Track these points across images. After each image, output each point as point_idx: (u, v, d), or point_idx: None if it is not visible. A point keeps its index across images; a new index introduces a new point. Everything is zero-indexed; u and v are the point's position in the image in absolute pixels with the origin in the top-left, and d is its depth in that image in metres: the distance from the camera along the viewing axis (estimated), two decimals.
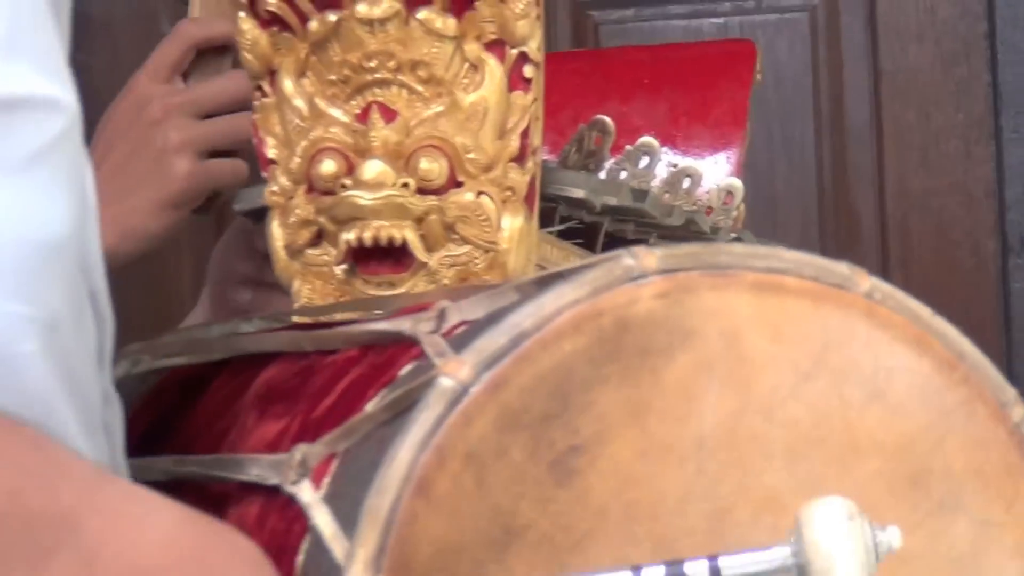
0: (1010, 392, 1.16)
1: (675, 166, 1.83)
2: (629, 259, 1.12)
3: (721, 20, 3.32)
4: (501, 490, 1.05)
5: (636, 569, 1.02)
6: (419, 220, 1.36)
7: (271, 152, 1.41)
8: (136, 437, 1.38)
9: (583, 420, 1.08)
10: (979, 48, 3.20)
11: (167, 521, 0.98)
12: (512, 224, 1.38)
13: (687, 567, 1.03)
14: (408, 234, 1.35)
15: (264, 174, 1.43)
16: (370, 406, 1.14)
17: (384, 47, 1.39)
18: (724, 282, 1.14)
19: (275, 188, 1.41)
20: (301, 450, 1.14)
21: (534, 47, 1.39)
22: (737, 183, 1.86)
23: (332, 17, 1.37)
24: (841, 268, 1.16)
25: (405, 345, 1.15)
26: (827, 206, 3.29)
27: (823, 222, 3.26)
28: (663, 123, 1.94)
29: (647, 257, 1.12)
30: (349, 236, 1.34)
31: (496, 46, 1.39)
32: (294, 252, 1.39)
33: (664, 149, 1.85)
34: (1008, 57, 3.24)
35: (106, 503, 0.98)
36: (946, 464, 1.16)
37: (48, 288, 1.11)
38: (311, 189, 1.39)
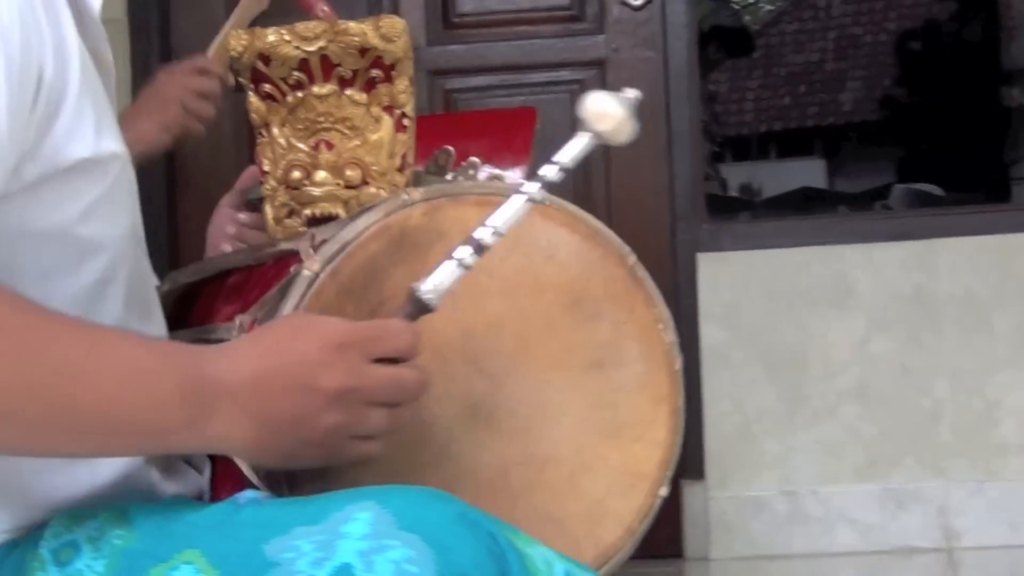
0: (626, 249, 1.44)
1: (493, 174, 1.85)
2: (404, 195, 1.42)
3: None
4: None
5: (450, 250, 1.25)
6: (345, 203, 1.57)
7: (266, 166, 1.63)
8: (172, 320, 1.63)
9: (385, 287, 1.37)
10: None
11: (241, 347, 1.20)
12: None
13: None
14: (340, 210, 1.58)
15: (261, 179, 1.65)
16: (272, 291, 1.41)
17: (327, 110, 1.59)
18: (458, 202, 1.41)
19: (267, 187, 1.63)
20: (239, 318, 1.43)
21: (409, 109, 1.59)
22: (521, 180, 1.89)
23: (300, 94, 1.58)
24: (526, 188, 1.37)
25: (295, 256, 1.42)
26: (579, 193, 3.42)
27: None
28: (485, 152, 1.92)
29: (415, 192, 1.42)
30: (307, 212, 1.58)
31: (388, 108, 1.59)
32: (278, 221, 1.61)
33: (485, 166, 1.87)
34: None
35: (211, 365, 1.16)
36: (593, 292, 1.43)
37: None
38: (287, 187, 1.61)
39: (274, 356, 1.18)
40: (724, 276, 3.53)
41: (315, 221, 1.56)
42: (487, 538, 1.11)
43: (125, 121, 1.85)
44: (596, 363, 1.40)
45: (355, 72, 1.54)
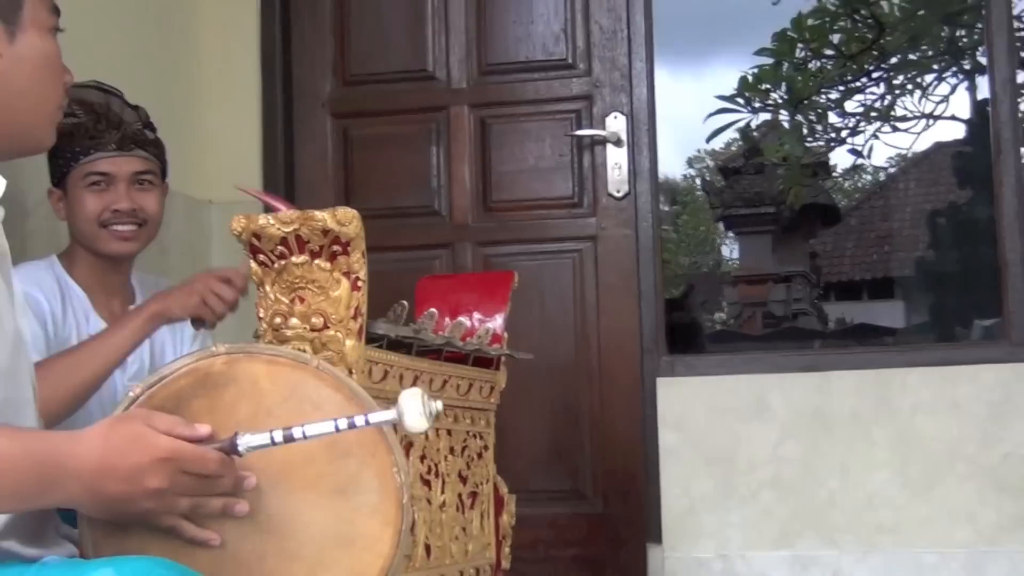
0: (375, 406, 1.37)
1: (457, 323, 2.09)
2: (214, 347, 1.44)
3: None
4: None
5: (274, 428, 1.27)
6: (311, 342, 1.67)
7: (260, 313, 1.72)
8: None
9: (186, 412, 1.38)
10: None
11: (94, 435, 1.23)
12: (351, 343, 1.69)
13: (342, 423, 1.25)
14: (307, 348, 1.67)
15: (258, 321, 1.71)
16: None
17: (302, 274, 1.66)
18: (252, 358, 1.43)
19: (261, 328, 1.71)
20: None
21: (362, 274, 1.67)
22: (492, 328, 2.06)
23: (283, 262, 1.66)
24: (306, 356, 1.47)
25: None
26: (578, 333, 3.72)
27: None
28: (475, 303, 2.15)
29: (221, 347, 1.43)
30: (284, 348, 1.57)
31: (347, 274, 1.66)
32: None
33: (468, 316, 2.09)
34: None
35: (65, 447, 1.22)
36: (347, 437, 1.39)
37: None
38: (272, 329, 1.70)
39: (115, 456, 1.26)
40: (676, 395, 3.60)
41: None
42: None
43: (159, 295, 2.18)
44: (341, 489, 1.40)
45: (321, 247, 1.64)
